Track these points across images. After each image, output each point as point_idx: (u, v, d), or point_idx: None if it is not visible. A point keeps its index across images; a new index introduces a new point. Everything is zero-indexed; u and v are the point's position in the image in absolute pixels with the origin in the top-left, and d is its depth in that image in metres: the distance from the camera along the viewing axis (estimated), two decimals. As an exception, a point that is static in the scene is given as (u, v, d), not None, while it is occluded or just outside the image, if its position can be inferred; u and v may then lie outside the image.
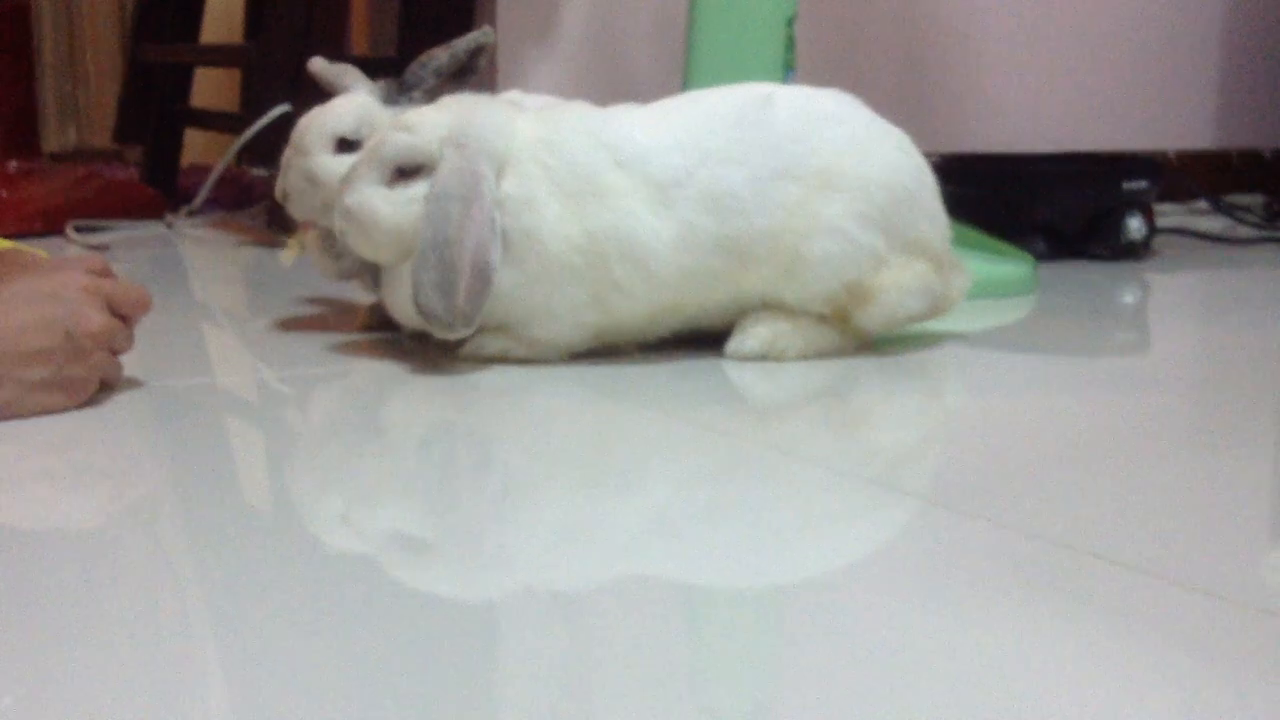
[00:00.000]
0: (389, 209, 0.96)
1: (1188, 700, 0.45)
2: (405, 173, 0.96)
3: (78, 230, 1.90)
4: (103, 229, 1.94)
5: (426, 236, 0.92)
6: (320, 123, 1.07)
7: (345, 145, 1.06)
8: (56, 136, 3.79)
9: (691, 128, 0.99)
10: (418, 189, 0.95)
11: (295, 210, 1.11)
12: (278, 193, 1.12)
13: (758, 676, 0.48)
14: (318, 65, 1.12)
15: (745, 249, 0.97)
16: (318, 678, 0.47)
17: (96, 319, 0.83)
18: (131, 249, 1.79)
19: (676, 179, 0.96)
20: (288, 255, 1.15)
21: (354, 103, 1.07)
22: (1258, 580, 0.57)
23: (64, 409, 0.84)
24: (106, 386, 0.88)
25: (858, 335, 1.02)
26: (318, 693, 0.46)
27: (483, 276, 0.91)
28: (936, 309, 1.04)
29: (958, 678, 0.47)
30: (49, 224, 1.91)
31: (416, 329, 0.99)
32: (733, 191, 0.97)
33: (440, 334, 0.93)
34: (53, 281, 0.84)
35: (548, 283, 0.96)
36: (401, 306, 0.98)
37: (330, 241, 1.10)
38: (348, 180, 0.97)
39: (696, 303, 1.00)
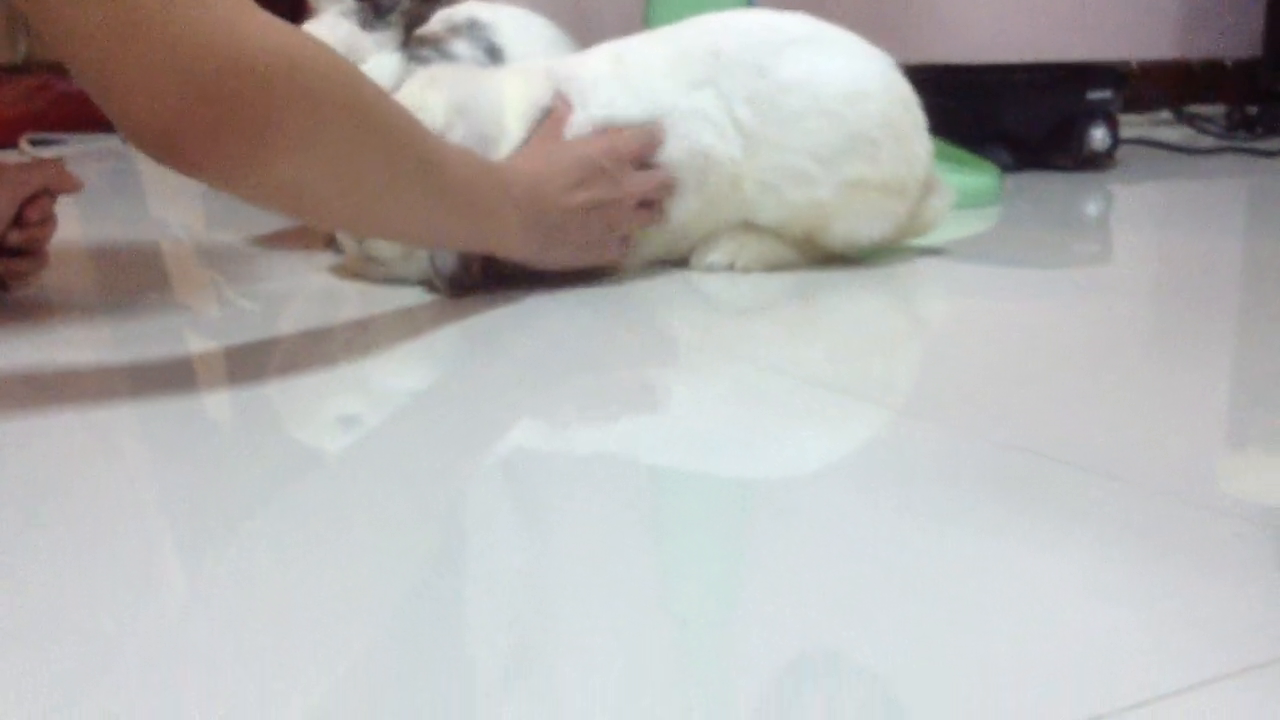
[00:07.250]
0: None
1: (1147, 597, 0.46)
2: None
3: (32, 144, 1.87)
4: (57, 142, 1.91)
5: None
6: None
7: None
8: (5, 48, 3.70)
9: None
10: None
11: None
12: None
13: (724, 579, 0.49)
14: None
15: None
16: (295, 590, 0.47)
17: None
18: (86, 162, 1.76)
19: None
20: None
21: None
22: (1214, 482, 0.59)
23: None
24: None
25: (821, 251, 1.03)
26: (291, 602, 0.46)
27: None
28: (903, 232, 1.04)
29: (923, 578, 0.48)
30: (2, 136, 1.88)
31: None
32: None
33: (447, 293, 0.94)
34: None
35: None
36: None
37: None
38: None
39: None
